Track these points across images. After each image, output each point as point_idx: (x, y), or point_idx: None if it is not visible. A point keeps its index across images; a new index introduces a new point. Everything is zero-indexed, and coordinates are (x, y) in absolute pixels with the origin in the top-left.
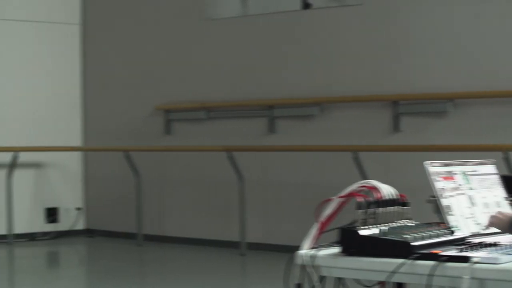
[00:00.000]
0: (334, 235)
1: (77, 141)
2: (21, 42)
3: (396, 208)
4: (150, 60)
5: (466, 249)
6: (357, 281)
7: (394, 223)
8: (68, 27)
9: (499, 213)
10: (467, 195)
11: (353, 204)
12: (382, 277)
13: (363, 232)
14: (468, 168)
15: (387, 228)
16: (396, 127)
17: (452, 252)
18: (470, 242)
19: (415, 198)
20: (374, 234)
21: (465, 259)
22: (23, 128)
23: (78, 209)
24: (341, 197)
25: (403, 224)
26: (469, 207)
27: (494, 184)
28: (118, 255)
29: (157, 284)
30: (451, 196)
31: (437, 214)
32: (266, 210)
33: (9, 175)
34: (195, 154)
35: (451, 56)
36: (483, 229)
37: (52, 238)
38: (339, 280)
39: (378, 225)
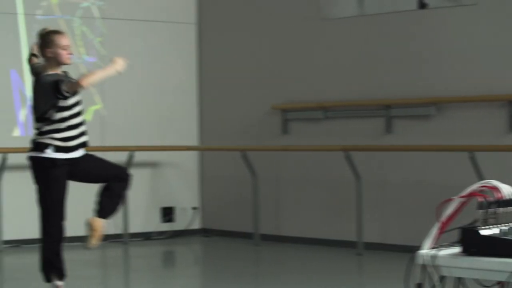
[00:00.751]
0: (454, 235)
1: (193, 141)
2: (139, 41)
3: None
4: (267, 59)
5: None
6: (476, 281)
7: None
8: (185, 27)
9: None
10: None
11: (473, 204)
12: (502, 277)
13: (484, 232)
14: None
15: (507, 228)
16: None
17: None
18: None
19: None
20: (494, 234)
21: None
22: (140, 128)
23: (194, 208)
24: (462, 197)
25: None
26: None
27: None
28: (234, 254)
29: (273, 284)
30: None
31: None
32: (383, 209)
33: None
34: (312, 154)
35: None
36: None
37: (167, 237)
38: (459, 280)
39: (499, 225)
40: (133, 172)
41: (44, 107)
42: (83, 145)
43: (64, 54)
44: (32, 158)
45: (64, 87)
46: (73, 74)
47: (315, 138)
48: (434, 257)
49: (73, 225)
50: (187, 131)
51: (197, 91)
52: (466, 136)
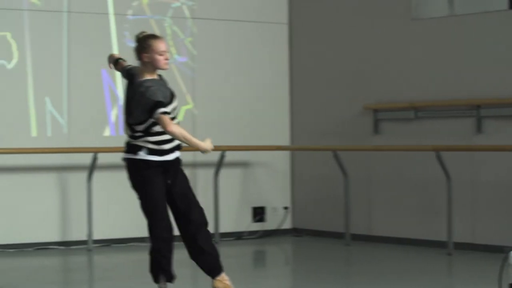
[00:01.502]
0: None
1: (285, 140)
2: (230, 41)
3: None
4: (358, 59)
5: None
6: None
7: None
8: (276, 27)
9: None
10: None
11: None
12: None
13: None
14: None
15: None
16: None
17: None
18: None
19: None
20: None
21: None
22: (231, 127)
23: (285, 208)
24: None
25: None
26: None
27: None
28: (325, 254)
29: (364, 284)
30: None
31: None
32: (474, 209)
33: (216, 174)
34: (403, 154)
35: None
36: None
37: (258, 237)
38: None
39: None
40: (224, 172)
41: (142, 117)
42: (177, 148)
43: (161, 60)
44: (126, 160)
45: (156, 116)
46: (166, 75)
47: (406, 138)
48: None
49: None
50: (279, 131)
51: (288, 91)
52: None
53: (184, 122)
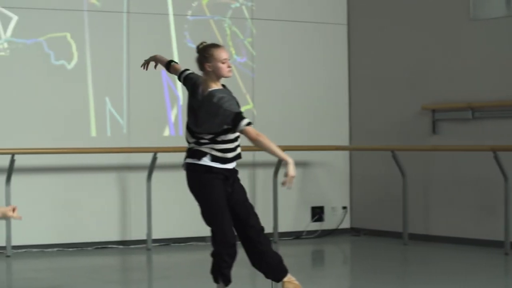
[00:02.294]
0: None
1: (344, 140)
2: (289, 42)
3: None
4: (416, 60)
5: None
6: None
7: None
8: (335, 27)
9: None
10: None
11: None
12: None
13: None
14: None
15: None
16: None
17: None
18: None
19: None
20: None
21: None
22: (290, 127)
23: (344, 208)
24: None
25: None
26: None
27: None
28: (382, 254)
29: (421, 283)
30: None
31: None
32: None
33: (276, 174)
34: (461, 154)
35: None
36: None
37: (317, 236)
38: None
39: None
40: (284, 171)
41: (217, 128)
42: (238, 157)
43: (224, 68)
44: (188, 165)
45: (241, 128)
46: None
47: (464, 138)
48: None
49: None
50: (338, 131)
51: (347, 91)
52: None
53: None
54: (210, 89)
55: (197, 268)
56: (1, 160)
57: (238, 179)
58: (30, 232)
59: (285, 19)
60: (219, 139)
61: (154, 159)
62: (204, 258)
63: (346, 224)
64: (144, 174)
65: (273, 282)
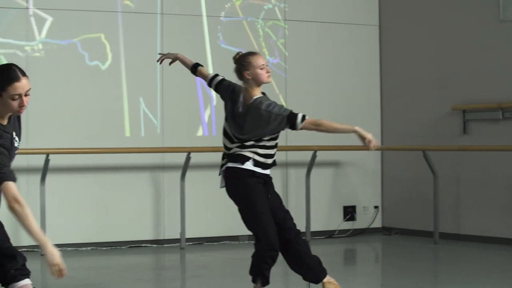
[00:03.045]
0: None
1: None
2: (322, 43)
3: None
4: (447, 61)
5: None
6: None
7: None
8: (367, 29)
9: None
10: None
11: None
12: None
13: None
14: None
15: None
16: None
17: None
18: None
19: None
20: None
21: None
22: None
23: (376, 207)
24: None
25: None
26: None
27: None
28: (413, 253)
29: (452, 282)
30: None
31: None
32: None
33: (308, 174)
34: (491, 154)
35: None
36: None
37: (349, 235)
38: None
39: None
40: (316, 171)
41: (267, 134)
42: (274, 163)
43: (263, 74)
44: (230, 169)
45: (301, 125)
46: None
47: (494, 138)
48: None
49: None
50: (369, 131)
51: (379, 91)
52: None
53: None
54: (254, 97)
55: (229, 267)
56: (36, 160)
57: (273, 185)
58: (64, 231)
59: (317, 20)
60: (262, 143)
61: (188, 159)
62: (237, 257)
63: (377, 224)
64: (178, 173)
65: (310, 283)
